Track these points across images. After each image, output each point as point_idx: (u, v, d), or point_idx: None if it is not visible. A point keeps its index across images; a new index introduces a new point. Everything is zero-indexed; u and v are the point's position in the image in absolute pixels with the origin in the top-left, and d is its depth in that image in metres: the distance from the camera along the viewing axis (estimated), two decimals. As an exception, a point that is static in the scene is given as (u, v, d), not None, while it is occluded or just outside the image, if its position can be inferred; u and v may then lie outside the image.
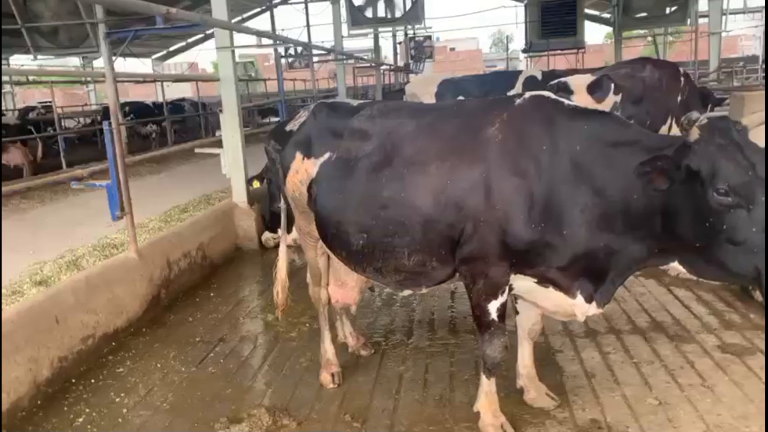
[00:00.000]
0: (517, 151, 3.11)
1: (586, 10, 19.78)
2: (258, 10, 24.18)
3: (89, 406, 4.06)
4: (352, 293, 4.27)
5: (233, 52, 7.77)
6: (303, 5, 15.96)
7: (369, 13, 16.99)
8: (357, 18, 17.06)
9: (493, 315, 3.26)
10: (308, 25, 16.27)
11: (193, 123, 20.84)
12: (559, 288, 3.17)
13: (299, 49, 16.54)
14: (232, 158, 7.78)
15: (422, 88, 11.31)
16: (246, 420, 3.71)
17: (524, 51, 23.16)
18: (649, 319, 4.85)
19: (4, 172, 12.44)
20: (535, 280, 3.21)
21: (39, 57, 15.19)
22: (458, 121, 3.38)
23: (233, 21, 9.88)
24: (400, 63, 23.89)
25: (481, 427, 3.43)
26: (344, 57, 16.22)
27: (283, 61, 16.07)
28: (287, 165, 3.94)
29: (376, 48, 20.75)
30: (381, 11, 16.89)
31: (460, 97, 9.28)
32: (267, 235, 7.66)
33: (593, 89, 7.81)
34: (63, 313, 4.50)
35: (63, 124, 18.29)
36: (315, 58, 15.82)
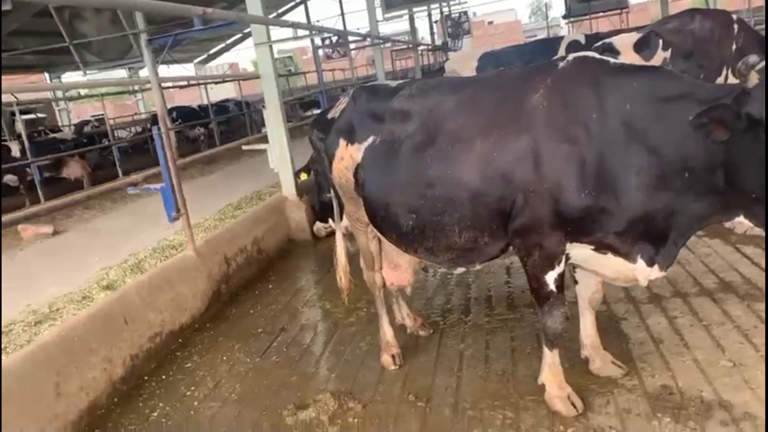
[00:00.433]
0: (564, 116, 3.00)
1: (628, -33, 19.01)
2: (292, 3, 24.37)
3: (162, 400, 4.22)
4: (406, 275, 4.26)
5: (271, 47, 7.83)
6: (336, -6, 15.96)
7: (402, -5, 16.85)
8: (391, 1, 16.95)
9: (551, 286, 3.19)
10: (342, 13, 16.30)
11: (238, 122, 21.23)
12: (617, 254, 3.07)
13: (336, 39, 16.57)
14: (279, 153, 7.89)
15: (462, 64, 11.13)
16: (312, 405, 3.78)
17: (565, 17, 22.54)
18: (717, 279, 4.66)
19: (66, 185, 13.02)
20: (593, 248, 3.11)
21: (88, 72, 15.77)
22: (500, 92, 3.30)
23: (269, 16, 9.96)
24: (438, 42, 23.65)
25: (548, 399, 3.38)
26: (381, 41, 16.14)
27: (320, 52, 16.15)
28: (332, 153, 3.95)
29: (413, 29, 20.59)
30: (414, -9, 16.73)
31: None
32: (318, 225, 7.74)
33: (640, 47, 7.50)
34: (130, 313, 4.68)
35: (116, 134, 18.94)
36: (352, 46, 15.81)
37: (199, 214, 7.85)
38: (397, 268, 4.25)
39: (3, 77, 18.83)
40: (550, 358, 3.40)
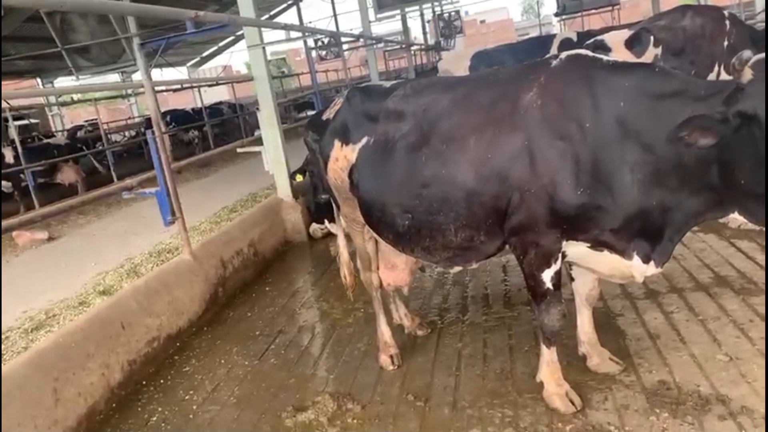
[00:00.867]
0: (558, 114, 3.01)
1: (618, -36, 19.06)
2: (285, 5, 24.34)
3: (161, 405, 4.21)
4: (403, 275, 4.27)
5: (264, 49, 7.83)
6: (328, -5, 15.96)
7: (394, -5, 16.87)
8: (383, 1, 16.96)
9: (548, 284, 3.20)
10: (335, 14, 16.29)
11: (232, 125, 21.20)
12: (613, 251, 3.08)
13: (329, 40, 16.55)
14: (274, 154, 7.88)
15: (455, 63, 11.13)
16: (311, 407, 3.78)
17: (557, 14, 22.57)
18: (712, 274, 4.68)
19: (60, 190, 12.98)
20: (588, 245, 3.12)
21: (80, 77, 15.73)
22: (494, 90, 3.30)
23: (261, 18, 9.96)
24: (431, 42, 23.66)
25: (546, 396, 3.39)
26: (373, 42, 16.15)
27: (313, 53, 16.14)
28: (327, 154, 3.95)
29: (405, 29, 20.60)
30: (406, -9, 16.75)
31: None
32: (314, 227, 7.75)
33: (632, 44, 7.52)
34: (127, 318, 4.67)
35: (111, 138, 18.89)
36: (345, 46, 15.81)
37: (195, 218, 7.84)
38: (394, 268, 4.25)
39: (-5, 83, 18.76)
40: (548, 355, 3.41)
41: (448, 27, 22.07)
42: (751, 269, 4.63)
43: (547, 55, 3.49)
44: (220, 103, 23.51)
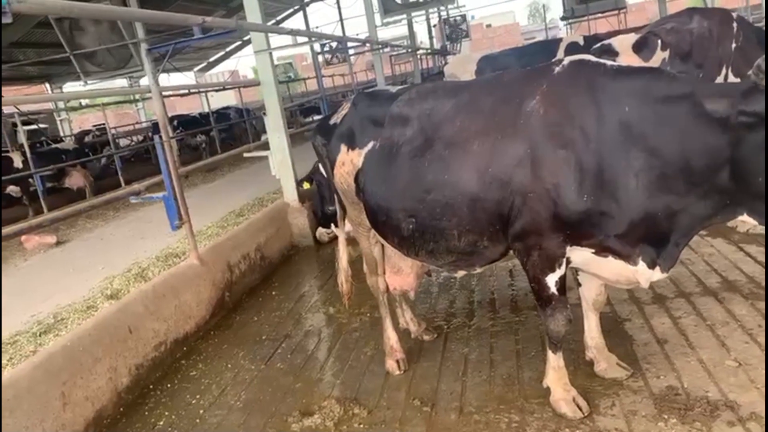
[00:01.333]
0: (561, 121, 3.00)
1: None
2: (291, 11, 24.45)
3: (168, 409, 4.22)
4: (409, 279, 4.27)
5: (271, 54, 7.86)
6: (334, 0, 16.00)
7: (400, 0, 16.89)
8: (389, 5, 17.01)
9: (553, 289, 3.19)
10: (341, 19, 16.34)
11: (239, 129, 21.25)
12: (618, 256, 3.06)
13: (335, 45, 16.61)
14: (280, 159, 7.91)
15: (461, 67, 11.15)
16: (318, 412, 3.78)
17: (563, 18, 22.56)
18: (720, 279, 4.65)
19: (68, 195, 13.05)
20: (593, 251, 3.10)
21: (89, 82, 15.82)
22: (497, 96, 3.30)
23: (268, 24, 10.00)
24: (437, 46, 23.69)
25: (553, 402, 3.37)
26: (380, 46, 16.18)
27: (320, 58, 16.19)
28: (333, 158, 3.97)
29: (411, 34, 20.63)
30: (412, -4, 16.78)
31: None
32: (321, 231, 7.75)
33: (639, 48, 7.50)
34: (135, 323, 4.68)
35: (119, 143, 18.97)
36: (351, 51, 15.85)
37: (202, 222, 7.86)
38: (400, 272, 4.26)
39: (5, 89, 18.92)
40: (555, 360, 3.40)
41: (454, 31, 22.11)
42: (759, 274, 4.60)
43: (553, 60, 3.48)
44: (227, 107, 23.58)
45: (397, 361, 4.15)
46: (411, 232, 3.51)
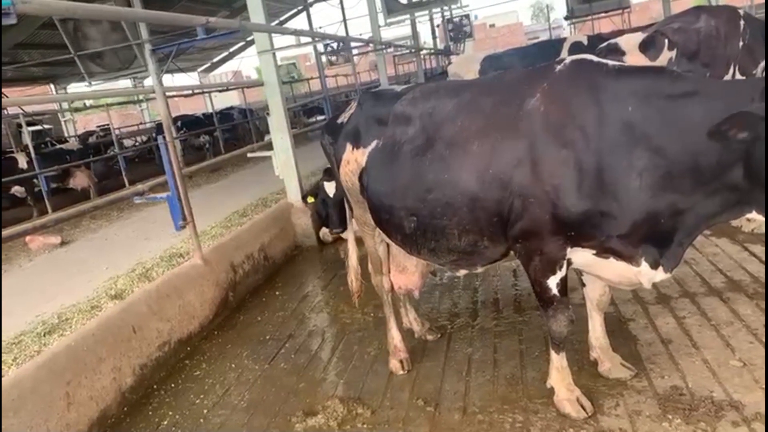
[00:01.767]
0: (562, 121, 2.98)
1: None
2: (294, 11, 24.47)
3: (172, 409, 4.23)
4: (413, 278, 4.27)
5: (274, 54, 7.87)
6: (338, 0, 16.00)
7: (404, 0, 16.88)
8: (392, 6, 17.00)
9: (554, 290, 3.18)
10: (344, 20, 16.33)
11: (243, 130, 21.28)
12: (620, 257, 3.03)
13: (338, 45, 16.61)
14: (284, 159, 7.91)
15: (464, 67, 11.13)
16: (321, 412, 3.78)
17: (566, 18, 22.51)
18: (725, 279, 4.63)
19: (72, 195, 13.09)
20: (594, 252, 3.08)
21: (93, 83, 15.88)
22: (498, 95, 3.28)
23: (271, 24, 10.01)
24: (440, 46, 23.67)
25: (557, 402, 3.37)
26: (383, 47, 16.18)
27: (323, 58, 16.20)
28: (339, 157, 3.99)
29: (414, 34, 20.61)
30: (416, -4, 16.77)
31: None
32: (324, 231, 7.76)
33: (646, 47, 7.47)
34: (139, 322, 4.69)
35: (123, 144, 19.03)
36: (354, 51, 15.86)
37: (206, 222, 7.87)
38: (404, 271, 4.26)
39: (10, 90, 19.00)
40: (558, 361, 3.39)
41: (458, 31, 22.10)
42: (764, 273, 4.58)
43: (556, 59, 3.47)
44: (231, 108, 23.62)
45: (401, 361, 4.15)
46: (413, 230, 3.52)
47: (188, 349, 5.12)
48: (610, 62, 3.10)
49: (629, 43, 7.71)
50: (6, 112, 14.77)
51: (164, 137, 5.51)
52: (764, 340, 3.68)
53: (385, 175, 3.60)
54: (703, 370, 3.49)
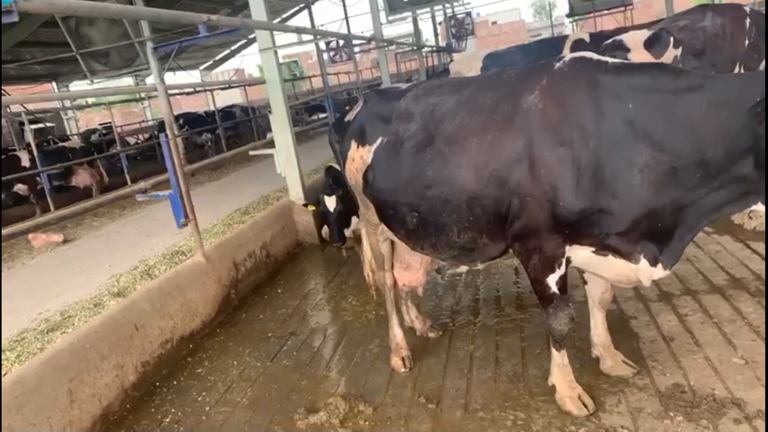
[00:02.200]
0: (560, 118, 2.97)
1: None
2: (296, 8, 24.45)
3: (174, 406, 4.24)
4: (417, 275, 4.28)
5: (276, 52, 7.87)
6: (339, -2, 15.99)
7: (406, -3, 16.87)
8: (394, 3, 16.98)
9: (554, 288, 3.18)
10: (346, 17, 16.32)
11: (245, 128, 21.30)
12: (619, 255, 3.03)
13: (340, 42, 16.59)
14: (286, 157, 7.92)
15: (467, 65, 11.12)
16: (323, 409, 3.79)
17: (568, 15, 22.48)
18: (727, 276, 4.63)
19: (75, 193, 13.11)
20: (592, 250, 3.07)
21: (95, 81, 15.89)
22: (497, 92, 3.28)
23: (273, 22, 10.01)
24: (442, 43, 23.63)
25: (558, 399, 3.37)
26: (385, 44, 16.16)
27: (325, 56, 16.18)
28: (345, 154, 4.00)
29: (416, 31, 20.58)
30: (418, -6, 16.74)
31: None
32: (326, 229, 7.75)
33: (651, 45, 7.43)
34: (141, 320, 4.70)
35: (126, 141, 19.03)
36: (356, 49, 15.84)
37: (208, 220, 7.89)
38: (409, 268, 4.28)
39: (12, 88, 19.02)
40: (559, 358, 3.39)
41: (460, 28, 22.06)
42: (765, 271, 4.57)
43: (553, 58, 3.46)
44: (233, 106, 23.63)
45: (403, 359, 4.16)
46: (415, 225, 3.55)
47: (190, 346, 5.14)
48: (610, 60, 3.09)
49: (634, 40, 7.68)
50: (8, 110, 14.78)
51: (166, 135, 5.51)
52: (765, 337, 3.67)
53: (388, 172, 3.62)
54: (705, 367, 3.49)
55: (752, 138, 2.62)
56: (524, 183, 3.01)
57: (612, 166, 2.86)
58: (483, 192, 3.16)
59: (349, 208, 6.53)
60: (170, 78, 22.94)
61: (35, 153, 11.75)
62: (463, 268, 3.80)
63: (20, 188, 12.22)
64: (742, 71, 7.02)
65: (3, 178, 10.87)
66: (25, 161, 12.35)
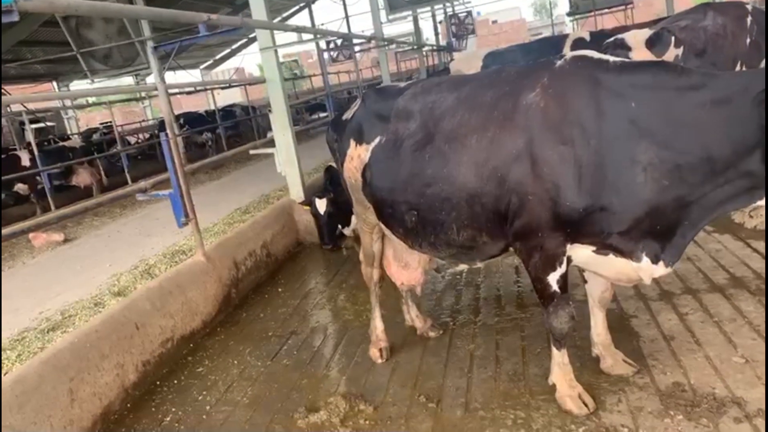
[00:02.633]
0: (562, 116, 2.96)
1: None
2: (297, 8, 24.45)
3: (175, 405, 4.24)
4: (416, 274, 4.30)
5: (276, 51, 7.86)
6: (339, -4, 15.99)
7: (406, -4, 16.87)
8: (394, 2, 16.97)
9: (554, 287, 3.18)
10: (347, 16, 16.32)
11: (245, 127, 21.29)
12: (620, 253, 3.02)
13: (340, 42, 16.59)
14: (286, 156, 7.91)
15: (467, 64, 11.10)
16: (324, 408, 3.79)
17: (569, 14, 22.46)
18: (727, 275, 4.63)
19: (75, 192, 13.11)
20: (593, 248, 3.07)
21: (95, 80, 15.88)
22: (497, 90, 3.27)
23: (273, 21, 10.00)
24: (443, 42, 23.63)
25: (558, 398, 3.37)
26: (385, 43, 16.16)
27: (325, 55, 16.18)
28: (343, 153, 4.00)
29: (417, 30, 20.57)
30: (418, -8, 16.74)
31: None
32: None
33: (652, 43, 7.43)
34: (142, 319, 4.71)
35: (127, 141, 19.03)
36: (356, 48, 15.84)
37: (208, 219, 7.89)
38: (407, 267, 4.29)
39: (12, 87, 19.02)
40: (559, 357, 3.39)
41: (460, 27, 22.06)
42: (765, 270, 4.57)
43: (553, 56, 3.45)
44: (233, 105, 23.63)
45: (380, 350, 4.26)
46: (414, 224, 3.56)
47: (191, 345, 5.14)
48: (611, 58, 3.08)
49: (636, 38, 7.67)
50: (9, 110, 14.78)
51: (167, 134, 5.51)
52: (765, 335, 3.67)
53: (387, 170, 3.62)
54: (705, 366, 3.49)
55: (758, 133, 2.60)
56: (525, 181, 3.00)
57: (614, 165, 2.86)
58: (483, 190, 3.15)
59: (341, 210, 6.54)
60: (170, 77, 22.97)
61: (36, 152, 11.75)
62: (463, 267, 3.80)
63: (21, 187, 12.23)
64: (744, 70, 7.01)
65: (3, 178, 10.88)
66: (26, 161, 12.36)
